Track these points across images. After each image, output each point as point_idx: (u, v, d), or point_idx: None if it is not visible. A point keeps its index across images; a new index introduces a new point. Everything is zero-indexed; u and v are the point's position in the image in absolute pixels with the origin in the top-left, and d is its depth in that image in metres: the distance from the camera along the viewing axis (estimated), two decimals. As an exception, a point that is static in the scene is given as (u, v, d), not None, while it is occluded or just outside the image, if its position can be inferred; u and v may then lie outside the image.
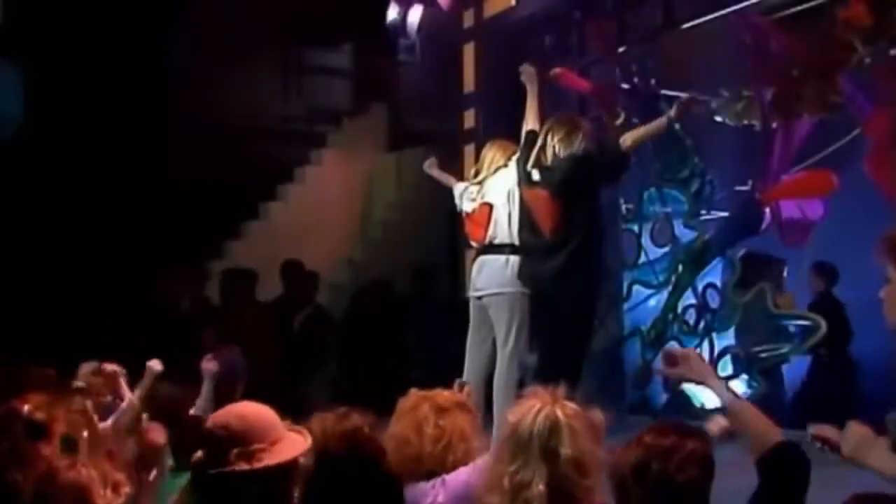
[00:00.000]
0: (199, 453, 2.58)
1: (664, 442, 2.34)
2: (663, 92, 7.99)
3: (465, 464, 2.95)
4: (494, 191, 5.90)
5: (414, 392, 3.16)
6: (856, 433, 2.54)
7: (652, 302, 8.11)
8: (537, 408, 2.59)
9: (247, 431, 2.54)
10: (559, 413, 2.58)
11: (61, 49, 8.53)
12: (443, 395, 3.13)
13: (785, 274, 7.60)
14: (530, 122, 5.91)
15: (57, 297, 7.81)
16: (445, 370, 5.61)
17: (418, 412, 3.04)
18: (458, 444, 2.97)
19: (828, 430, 2.55)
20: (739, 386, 7.35)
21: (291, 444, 2.59)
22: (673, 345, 7.86)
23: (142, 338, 6.92)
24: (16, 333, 6.57)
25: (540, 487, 2.50)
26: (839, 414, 2.78)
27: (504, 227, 5.80)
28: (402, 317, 8.59)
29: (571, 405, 2.64)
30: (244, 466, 2.49)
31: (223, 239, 9.70)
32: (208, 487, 2.54)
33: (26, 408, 2.98)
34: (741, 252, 7.61)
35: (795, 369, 7.60)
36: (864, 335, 7.09)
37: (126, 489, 2.62)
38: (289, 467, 2.56)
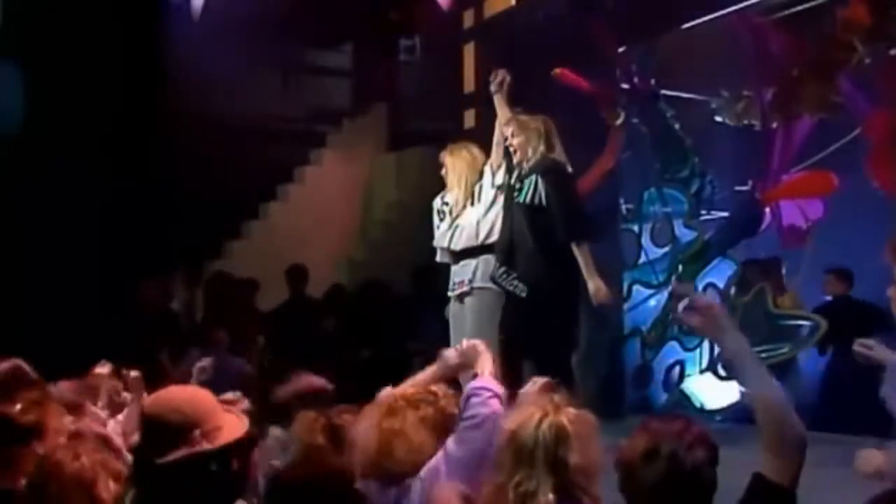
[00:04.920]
0: (142, 442, 2.57)
1: (672, 426, 2.35)
2: (663, 92, 8.00)
3: (417, 461, 2.90)
4: None
5: (383, 393, 3.15)
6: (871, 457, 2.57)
7: (652, 302, 8.11)
8: (539, 416, 2.51)
9: (198, 413, 2.54)
10: (565, 421, 2.50)
11: (61, 49, 8.52)
12: (405, 393, 3.08)
13: (783, 272, 7.56)
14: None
15: (56, 298, 7.80)
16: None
17: (367, 418, 3.03)
18: (399, 445, 2.90)
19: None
20: (739, 387, 7.34)
21: (235, 422, 2.61)
22: (673, 345, 7.89)
23: (139, 339, 6.92)
24: (13, 334, 6.55)
25: (549, 497, 2.42)
26: (859, 417, 2.77)
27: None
28: (402, 316, 8.59)
29: (573, 410, 2.56)
30: (206, 446, 2.49)
31: (223, 239, 9.70)
32: (168, 475, 2.49)
33: (15, 412, 2.98)
34: (742, 259, 7.61)
35: (812, 371, 7.58)
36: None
37: (124, 475, 2.64)
38: (239, 442, 2.59)
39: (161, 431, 2.51)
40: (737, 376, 2.48)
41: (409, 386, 3.21)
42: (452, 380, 3.30)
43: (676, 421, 2.39)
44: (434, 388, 3.09)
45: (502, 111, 5.77)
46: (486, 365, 3.11)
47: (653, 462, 2.29)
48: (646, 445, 2.31)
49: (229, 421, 2.59)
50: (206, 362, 4.70)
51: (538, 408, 2.55)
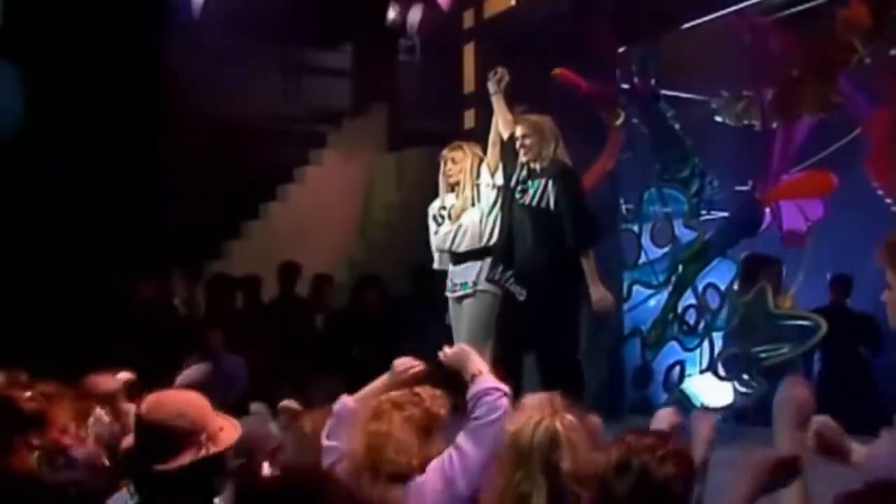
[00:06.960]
0: (145, 448, 2.53)
1: (644, 441, 2.39)
2: (663, 92, 7.99)
3: (405, 462, 2.93)
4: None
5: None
6: (791, 395, 2.63)
7: (652, 302, 8.10)
8: (536, 419, 2.60)
9: (202, 417, 2.54)
10: (559, 426, 2.59)
11: (61, 49, 8.53)
12: (389, 396, 3.10)
13: (783, 274, 7.56)
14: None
15: (56, 299, 7.80)
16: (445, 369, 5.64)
17: (355, 423, 3.07)
18: (387, 447, 2.93)
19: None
20: (739, 387, 7.35)
21: (228, 423, 2.62)
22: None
23: (140, 340, 6.91)
24: (13, 333, 6.56)
25: (542, 500, 2.51)
26: (853, 419, 2.78)
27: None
28: (398, 313, 8.59)
29: (570, 416, 2.64)
30: (213, 448, 2.50)
31: (223, 239, 9.70)
32: (178, 480, 2.47)
33: (20, 397, 2.98)
34: (743, 254, 7.60)
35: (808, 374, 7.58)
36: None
37: None
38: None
39: (168, 437, 2.48)
40: None
41: (365, 394, 3.28)
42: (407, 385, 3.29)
43: (651, 436, 2.45)
44: (418, 389, 3.13)
45: (501, 110, 5.75)
46: (481, 364, 3.18)
47: (623, 475, 2.34)
48: (618, 458, 2.37)
49: (224, 422, 2.60)
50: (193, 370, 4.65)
51: (537, 411, 2.63)
